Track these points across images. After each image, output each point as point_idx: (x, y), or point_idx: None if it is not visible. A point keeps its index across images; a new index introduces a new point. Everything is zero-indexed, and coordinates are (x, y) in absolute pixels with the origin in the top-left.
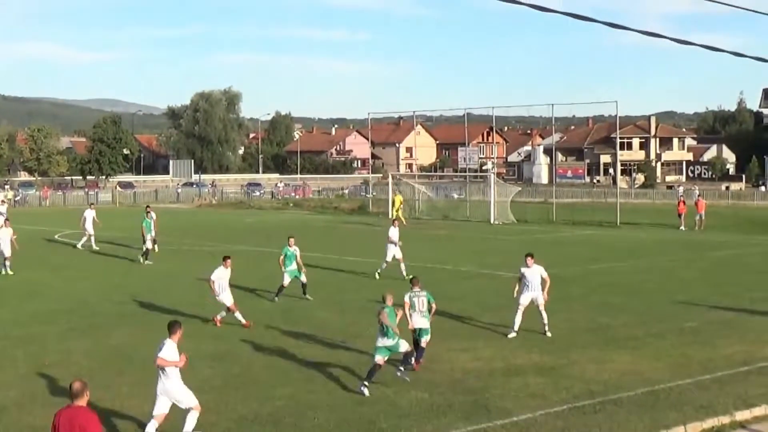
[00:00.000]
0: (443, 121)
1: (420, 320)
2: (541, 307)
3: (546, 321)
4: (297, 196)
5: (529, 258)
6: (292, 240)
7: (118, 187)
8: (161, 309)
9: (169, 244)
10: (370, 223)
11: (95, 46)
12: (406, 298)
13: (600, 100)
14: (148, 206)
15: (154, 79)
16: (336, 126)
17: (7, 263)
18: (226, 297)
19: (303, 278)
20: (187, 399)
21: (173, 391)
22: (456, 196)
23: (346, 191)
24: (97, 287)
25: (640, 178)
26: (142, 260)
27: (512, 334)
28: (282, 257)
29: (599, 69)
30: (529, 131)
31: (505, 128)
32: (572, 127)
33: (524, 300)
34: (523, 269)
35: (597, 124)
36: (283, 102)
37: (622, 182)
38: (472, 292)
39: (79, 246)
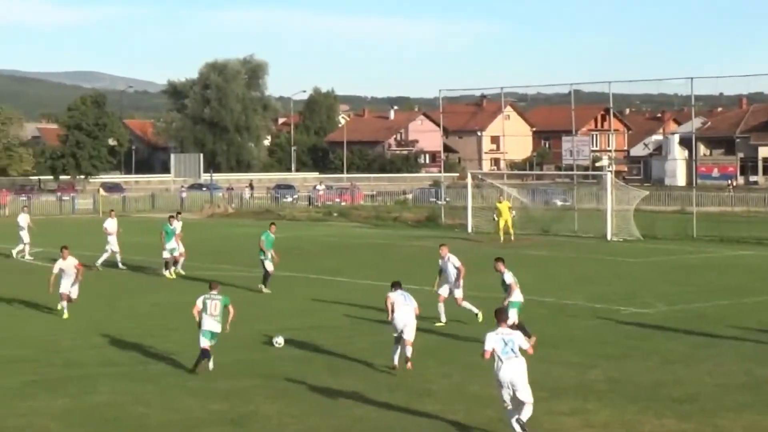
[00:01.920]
0: (541, 101)
1: None
2: None
3: None
4: (343, 203)
5: None
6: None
7: (101, 191)
8: (157, 356)
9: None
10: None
11: (70, 1)
12: None
13: (758, 71)
14: (176, 213)
15: (149, 44)
16: (395, 108)
17: None
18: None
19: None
20: None
21: None
22: (559, 202)
23: (410, 196)
24: (71, 326)
25: None
26: (167, 274)
27: None
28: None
29: (757, 26)
30: (659, 115)
31: (627, 110)
32: (719, 109)
33: None
34: None
35: (753, 104)
36: (324, 75)
37: None
38: (580, 335)
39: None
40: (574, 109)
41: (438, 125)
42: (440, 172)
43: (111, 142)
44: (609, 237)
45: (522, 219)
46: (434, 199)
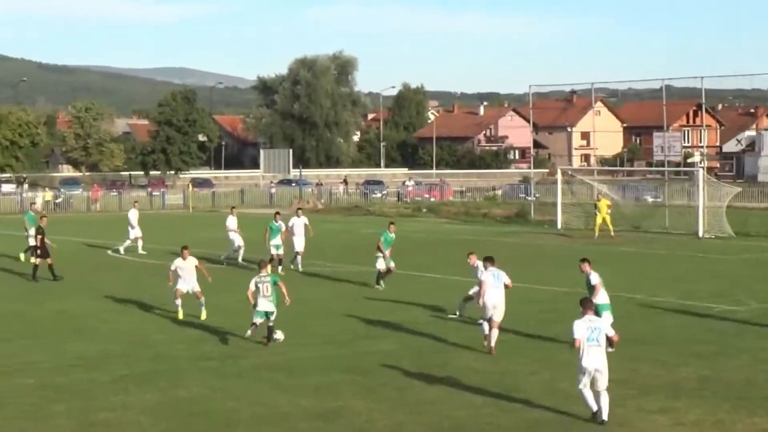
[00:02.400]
0: (632, 97)
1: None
2: None
3: None
4: (432, 199)
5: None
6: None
7: (191, 186)
8: (246, 351)
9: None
10: (540, 235)
11: None
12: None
13: None
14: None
15: (239, 40)
16: (485, 103)
17: None
18: None
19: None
20: None
21: None
22: (650, 199)
23: (499, 192)
24: (161, 321)
25: None
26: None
27: None
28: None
29: None
30: (752, 110)
31: (720, 106)
32: None
33: None
34: None
35: None
36: (413, 71)
37: None
38: (671, 333)
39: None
40: (666, 105)
41: (528, 121)
42: (530, 168)
43: (201, 137)
44: (701, 234)
45: (613, 215)
46: (524, 195)
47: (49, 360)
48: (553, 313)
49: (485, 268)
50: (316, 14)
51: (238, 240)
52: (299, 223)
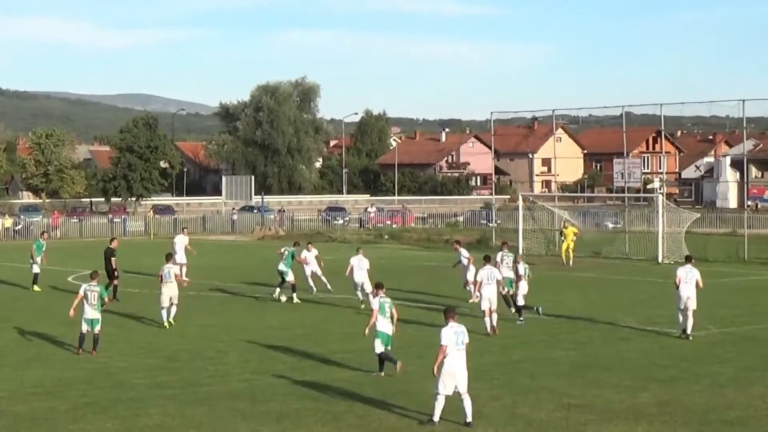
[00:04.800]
0: (593, 124)
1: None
2: None
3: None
4: (394, 225)
5: None
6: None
7: (153, 213)
8: (207, 377)
9: (221, 289)
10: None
11: (121, 23)
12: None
13: None
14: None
15: (201, 66)
16: (447, 130)
17: None
18: None
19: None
20: None
21: None
22: (611, 225)
23: (461, 218)
24: (122, 348)
25: None
26: (279, 297)
27: None
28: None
29: None
30: (710, 137)
31: (678, 133)
32: None
33: None
34: None
35: None
36: (375, 97)
37: None
38: (632, 357)
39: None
40: (626, 132)
41: (489, 147)
42: (491, 194)
43: (163, 164)
44: (660, 259)
45: (573, 241)
46: (485, 222)
47: (8, 388)
48: (514, 339)
49: (483, 266)
50: (278, 41)
51: (181, 258)
52: (311, 256)
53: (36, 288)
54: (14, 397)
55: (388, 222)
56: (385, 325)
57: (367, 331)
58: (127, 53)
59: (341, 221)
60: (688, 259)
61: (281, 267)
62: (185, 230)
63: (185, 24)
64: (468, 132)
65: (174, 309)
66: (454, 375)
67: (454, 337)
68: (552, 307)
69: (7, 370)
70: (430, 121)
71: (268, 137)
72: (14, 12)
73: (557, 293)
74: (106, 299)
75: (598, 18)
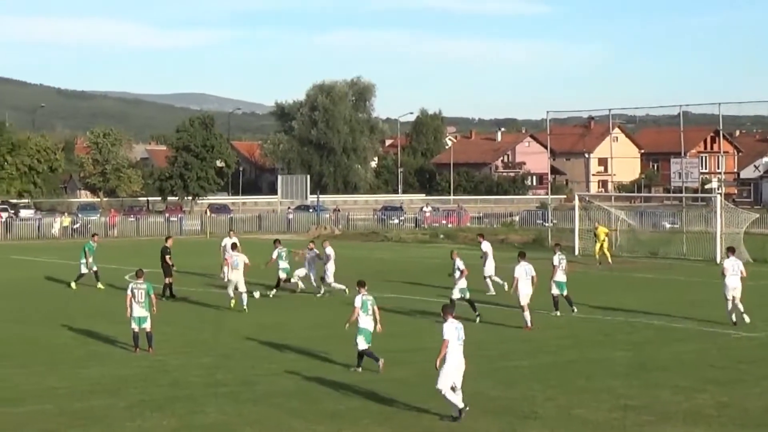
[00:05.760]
0: (650, 123)
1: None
2: None
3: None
4: (450, 225)
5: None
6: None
7: (209, 212)
8: (263, 375)
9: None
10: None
11: (177, 23)
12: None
13: None
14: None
15: (257, 66)
16: (502, 130)
17: None
18: None
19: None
20: None
21: None
22: (668, 225)
23: (517, 218)
24: (179, 346)
25: None
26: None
27: None
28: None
29: None
30: None
31: (737, 132)
32: None
33: None
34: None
35: None
36: (431, 97)
37: None
38: (689, 359)
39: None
40: (683, 131)
41: (545, 147)
42: (547, 194)
43: (218, 163)
44: (718, 260)
45: (630, 241)
46: (541, 222)
47: (67, 386)
48: (570, 339)
49: (518, 262)
50: (333, 40)
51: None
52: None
53: (73, 285)
54: (72, 394)
55: (444, 221)
56: (367, 322)
57: (347, 326)
58: (183, 53)
59: (396, 221)
60: (731, 251)
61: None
62: (231, 232)
63: (241, 23)
64: (524, 131)
65: (245, 297)
66: (457, 369)
67: (455, 332)
68: (608, 308)
69: (64, 367)
70: (485, 120)
71: (324, 136)
72: (71, 13)
73: (613, 293)
74: (153, 296)
75: (655, 15)
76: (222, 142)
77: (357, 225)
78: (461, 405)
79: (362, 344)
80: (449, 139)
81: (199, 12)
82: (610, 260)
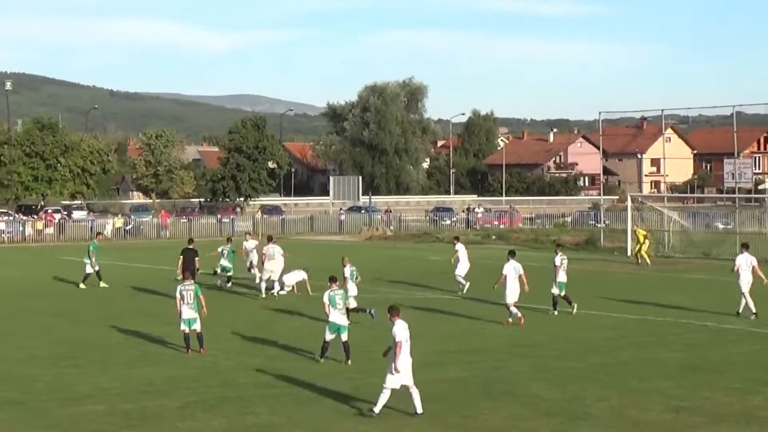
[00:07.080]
0: (703, 124)
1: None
2: None
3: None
4: (502, 226)
5: None
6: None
7: (261, 213)
8: (314, 376)
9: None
10: (609, 262)
11: (229, 24)
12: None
13: None
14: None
15: (308, 67)
16: (555, 130)
17: None
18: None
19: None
20: None
21: None
22: (721, 226)
23: (569, 219)
24: (229, 348)
25: None
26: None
27: None
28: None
29: None
30: None
31: None
32: None
33: None
34: None
35: None
36: (483, 98)
37: None
38: (742, 360)
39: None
40: (737, 131)
41: (597, 148)
42: (600, 194)
43: (270, 164)
44: None
45: (682, 242)
46: (593, 222)
47: (118, 386)
48: (622, 340)
49: (507, 260)
50: (384, 41)
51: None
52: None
53: (82, 285)
54: (124, 394)
55: (496, 222)
56: (336, 316)
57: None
58: (235, 54)
59: (448, 221)
60: (745, 247)
61: (224, 263)
62: (248, 235)
63: (292, 24)
64: (576, 132)
65: (277, 285)
66: (407, 369)
67: (406, 333)
68: (660, 308)
69: (117, 368)
70: (537, 121)
71: (376, 137)
72: (124, 14)
73: (665, 294)
74: (202, 297)
75: (707, 15)
76: (274, 143)
77: (409, 226)
78: (378, 410)
79: (328, 336)
80: (501, 140)
81: (251, 13)
82: (648, 261)
